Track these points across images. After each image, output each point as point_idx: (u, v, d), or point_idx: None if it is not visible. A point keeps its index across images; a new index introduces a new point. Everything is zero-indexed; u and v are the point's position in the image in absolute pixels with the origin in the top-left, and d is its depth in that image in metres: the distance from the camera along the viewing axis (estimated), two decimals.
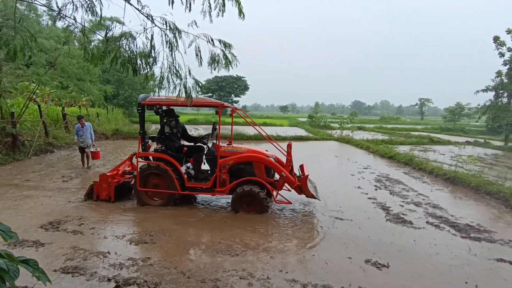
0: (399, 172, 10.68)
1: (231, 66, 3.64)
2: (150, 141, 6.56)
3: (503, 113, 21.07)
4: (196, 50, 3.39)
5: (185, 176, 6.08)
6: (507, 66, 20.64)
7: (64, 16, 3.16)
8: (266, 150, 6.48)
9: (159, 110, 6.50)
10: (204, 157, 6.54)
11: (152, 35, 3.24)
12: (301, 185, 6.04)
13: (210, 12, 3.21)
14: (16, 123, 10.63)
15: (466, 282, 3.81)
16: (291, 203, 6.10)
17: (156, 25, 3.21)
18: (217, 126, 6.23)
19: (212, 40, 3.42)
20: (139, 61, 3.34)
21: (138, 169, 6.10)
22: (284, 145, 6.75)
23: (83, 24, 3.27)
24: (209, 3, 3.18)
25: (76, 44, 11.30)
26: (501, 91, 21.45)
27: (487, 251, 4.73)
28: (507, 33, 19.93)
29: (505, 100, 21.78)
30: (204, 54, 3.47)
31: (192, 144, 6.85)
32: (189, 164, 6.64)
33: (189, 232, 5.01)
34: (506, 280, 3.95)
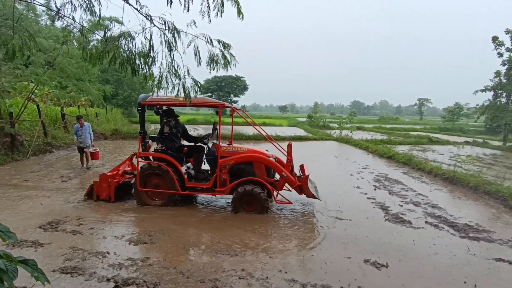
0: (398, 172, 10.70)
1: (230, 66, 3.64)
2: (150, 141, 6.55)
3: (501, 113, 21.10)
4: (195, 50, 3.39)
5: (186, 176, 6.07)
6: (506, 66, 20.68)
7: (62, 16, 3.16)
8: (267, 150, 6.48)
9: (159, 110, 6.49)
10: (204, 157, 6.54)
11: (151, 35, 3.25)
12: (302, 185, 6.04)
13: (209, 12, 3.21)
14: (15, 123, 10.61)
15: (465, 282, 3.82)
16: (291, 203, 6.10)
17: (155, 25, 3.21)
18: (218, 126, 6.23)
19: (211, 40, 3.42)
20: (138, 61, 3.33)
21: (139, 169, 6.09)
22: (283, 145, 6.75)
23: (81, 24, 3.26)
24: (208, 3, 3.18)
25: (75, 44, 11.28)
26: (499, 91, 21.48)
27: (486, 251, 4.74)
28: (506, 33, 19.97)
29: (503, 100, 21.81)
30: (203, 54, 3.47)
31: (193, 144, 6.85)
32: (189, 164, 6.64)
33: (188, 232, 5.01)
34: (505, 279, 3.96)
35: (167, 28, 3.22)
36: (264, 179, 5.98)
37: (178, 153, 6.30)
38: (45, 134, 12.55)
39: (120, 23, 3.38)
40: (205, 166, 6.73)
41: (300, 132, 25.93)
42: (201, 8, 3.18)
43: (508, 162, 14.04)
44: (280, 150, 6.67)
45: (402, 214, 6.23)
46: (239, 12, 3.33)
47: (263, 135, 7.28)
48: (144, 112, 6.23)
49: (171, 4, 3.06)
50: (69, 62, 10.61)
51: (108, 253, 4.15)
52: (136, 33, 3.27)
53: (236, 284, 3.54)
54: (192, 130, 22.71)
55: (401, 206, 6.79)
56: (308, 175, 6.15)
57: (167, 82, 3.34)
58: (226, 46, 3.54)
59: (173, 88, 3.38)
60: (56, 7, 3.15)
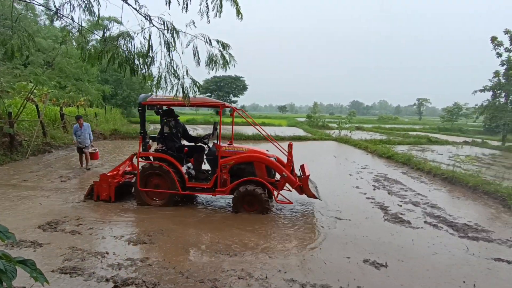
0: (397, 172, 10.71)
1: (229, 67, 3.64)
2: (150, 141, 6.55)
3: (500, 113, 21.14)
4: (194, 50, 3.39)
5: (186, 176, 6.07)
6: (505, 66, 20.72)
7: (61, 16, 3.15)
8: (267, 150, 6.48)
9: (160, 110, 6.49)
10: (204, 157, 6.53)
11: (150, 35, 3.24)
12: (302, 185, 6.04)
13: (207, 12, 3.21)
14: (14, 123, 10.59)
15: (464, 282, 3.82)
16: (292, 203, 6.10)
17: (154, 25, 3.21)
18: (218, 126, 6.22)
19: (209, 40, 3.42)
20: (137, 61, 3.33)
21: (139, 169, 6.08)
22: (283, 145, 6.76)
23: (80, 24, 3.26)
24: (207, 3, 3.18)
25: (75, 43, 11.27)
26: (498, 91, 21.52)
27: (484, 251, 4.75)
28: (505, 34, 20.01)
29: (502, 100, 21.86)
30: (202, 54, 3.47)
31: (193, 144, 6.84)
32: (189, 164, 6.64)
33: (188, 232, 5.00)
34: (503, 279, 3.96)
35: (166, 28, 3.21)
36: (265, 179, 5.98)
37: (178, 153, 6.30)
38: (44, 134, 12.53)
39: (119, 23, 3.38)
40: (205, 166, 6.72)
41: (300, 132, 25.94)
42: (200, 8, 3.18)
43: (507, 162, 14.06)
44: (280, 150, 6.67)
45: (401, 214, 6.24)
46: (238, 12, 3.33)
47: (263, 135, 7.27)
48: (144, 112, 6.23)
49: (169, 4, 3.05)
50: (68, 62, 10.61)
51: (107, 253, 4.15)
52: (135, 33, 3.27)
53: (236, 284, 3.55)
54: (192, 130, 22.69)
55: (400, 206, 6.79)
56: (309, 175, 6.15)
57: (166, 82, 3.34)
58: (225, 46, 3.54)
59: (172, 88, 3.38)
60: (55, 7, 3.14)
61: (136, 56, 3.31)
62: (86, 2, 3.11)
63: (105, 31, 3.35)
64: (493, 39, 20.52)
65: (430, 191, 8.20)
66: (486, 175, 9.75)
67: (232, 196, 5.94)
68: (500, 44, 20.41)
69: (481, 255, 4.57)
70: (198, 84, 3.52)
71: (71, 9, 3.11)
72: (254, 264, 4.00)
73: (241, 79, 61.57)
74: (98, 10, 3.21)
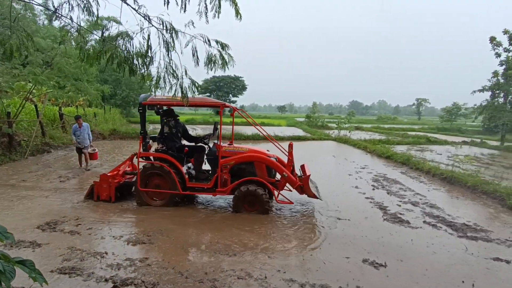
0: (396, 172, 10.72)
1: (228, 67, 3.64)
2: (151, 141, 6.54)
3: (499, 113, 21.19)
4: (193, 51, 3.39)
5: (186, 176, 6.06)
6: (504, 67, 20.77)
7: (60, 15, 3.15)
8: (268, 150, 6.48)
9: (160, 110, 6.48)
10: (205, 157, 6.53)
11: (148, 35, 3.24)
12: (303, 185, 6.04)
13: (206, 13, 3.21)
14: (13, 123, 10.57)
15: (463, 281, 3.83)
16: (292, 203, 6.10)
17: (153, 25, 3.20)
18: (219, 126, 6.22)
19: (208, 40, 3.42)
20: (135, 61, 3.33)
21: (140, 169, 6.07)
22: (282, 145, 6.75)
23: (79, 24, 3.25)
24: (206, 4, 3.18)
25: (73, 43, 11.25)
26: (497, 91, 21.57)
27: (483, 250, 4.75)
28: (504, 34, 20.05)
29: (501, 100, 21.91)
30: (201, 54, 3.48)
31: (193, 144, 6.84)
32: (190, 164, 6.63)
33: (187, 232, 5.00)
34: (502, 279, 3.97)
35: (165, 28, 3.21)
36: (265, 179, 5.98)
37: (178, 153, 6.29)
38: (43, 134, 12.51)
39: (118, 22, 3.38)
40: (205, 166, 6.72)
41: (299, 132, 25.95)
42: (199, 9, 3.18)
43: (505, 162, 14.09)
44: (281, 150, 6.66)
45: (400, 214, 6.24)
46: (237, 12, 3.33)
47: (263, 135, 7.27)
48: (145, 112, 6.23)
49: (168, 4, 3.05)
50: (67, 62, 10.58)
51: (106, 253, 4.14)
52: (134, 33, 3.27)
53: (235, 284, 3.55)
54: (191, 130, 22.66)
55: (399, 206, 6.80)
56: (309, 175, 6.15)
57: (164, 82, 3.34)
58: (224, 46, 3.54)
59: (171, 88, 3.38)
60: (54, 6, 3.14)
61: (135, 56, 3.31)
62: (85, 1, 3.11)
63: (104, 31, 3.35)
64: (492, 39, 20.57)
65: (429, 191, 8.22)
66: (485, 175, 9.77)
67: (233, 196, 5.94)
68: (499, 44, 20.46)
69: (480, 255, 4.58)
70: (197, 84, 3.52)
71: (70, 9, 3.11)
72: (254, 264, 4.00)
73: (240, 79, 61.54)
74: (97, 10, 3.20)
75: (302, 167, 6.64)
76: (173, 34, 3.24)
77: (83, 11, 3.14)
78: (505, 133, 21.96)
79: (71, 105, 18.41)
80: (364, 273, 3.92)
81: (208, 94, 59.15)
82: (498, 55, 20.68)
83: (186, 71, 3.39)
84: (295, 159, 6.35)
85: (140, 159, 6.15)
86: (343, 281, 3.70)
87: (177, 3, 3.09)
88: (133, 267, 3.82)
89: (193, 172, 6.49)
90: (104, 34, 3.33)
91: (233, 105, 6.64)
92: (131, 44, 3.30)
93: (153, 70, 3.43)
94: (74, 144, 9.63)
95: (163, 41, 3.24)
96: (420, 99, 76.24)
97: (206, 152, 6.49)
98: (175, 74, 3.34)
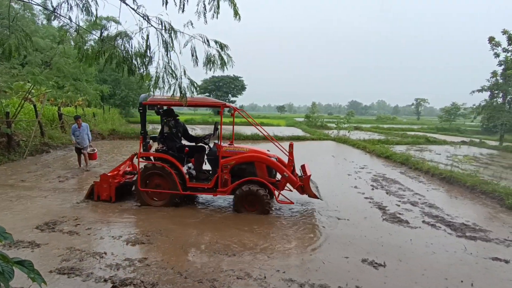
0: (395, 171, 10.73)
1: (227, 67, 3.64)
2: (151, 141, 6.54)
3: (498, 113, 21.23)
4: (192, 51, 3.39)
5: (187, 176, 6.06)
6: (502, 67, 20.81)
7: (59, 15, 3.14)
8: (268, 150, 6.48)
9: (160, 110, 6.48)
10: (205, 157, 6.52)
11: (147, 35, 3.24)
12: (304, 185, 6.04)
13: (205, 13, 3.21)
14: (11, 123, 10.54)
15: (461, 281, 3.84)
16: (293, 203, 6.09)
17: (151, 25, 3.20)
18: (219, 126, 6.21)
19: (207, 40, 3.42)
20: (134, 61, 3.32)
21: (140, 169, 6.06)
22: (282, 145, 6.75)
23: (77, 23, 3.25)
24: (204, 4, 3.18)
25: (72, 43, 11.24)
26: (496, 91, 21.62)
27: (482, 250, 4.76)
28: (503, 34, 20.09)
29: (500, 100, 21.96)
30: (200, 54, 3.48)
31: (194, 144, 6.83)
32: (190, 164, 6.62)
33: (186, 232, 5.00)
34: (501, 278, 3.98)
35: (164, 28, 3.21)
36: (266, 179, 5.97)
37: (179, 153, 6.29)
38: (42, 134, 12.48)
39: (117, 22, 3.38)
40: (205, 166, 6.71)
41: (298, 132, 25.95)
42: (197, 9, 3.18)
43: (504, 162, 14.12)
44: (281, 150, 6.66)
45: (400, 213, 6.25)
46: (236, 13, 3.33)
47: (264, 135, 7.27)
48: (145, 112, 6.22)
49: (166, 4, 3.05)
50: (66, 62, 10.57)
51: (105, 253, 4.14)
52: (133, 33, 3.27)
53: (234, 284, 3.54)
54: (190, 130, 22.62)
55: (399, 205, 6.81)
56: (310, 175, 6.14)
57: (163, 82, 3.34)
58: (223, 47, 3.53)
59: (169, 88, 3.38)
60: (52, 6, 3.13)
61: (134, 56, 3.31)
62: (83, 1, 3.11)
63: (103, 30, 3.34)
64: (491, 39, 20.61)
65: (428, 191, 8.23)
66: (484, 174, 9.79)
67: (233, 196, 5.93)
68: (497, 44, 20.49)
69: (478, 255, 4.59)
70: (195, 85, 3.52)
71: (69, 9, 3.11)
72: (253, 264, 4.00)
73: (239, 79, 61.57)
74: (96, 10, 3.20)
75: (303, 167, 6.64)
76: (172, 34, 3.24)
77: (82, 11, 3.14)
78: (504, 133, 22.00)
79: (70, 105, 18.38)
80: (363, 273, 3.92)
81: (207, 94, 59.15)
82: (497, 55, 20.73)
83: (185, 71, 3.39)
84: (295, 159, 6.35)
85: (141, 159, 6.14)
86: (342, 281, 3.71)
87: (175, 4, 3.09)
88: (132, 267, 3.82)
89: (193, 172, 6.48)
90: (103, 34, 3.33)
91: (232, 105, 6.63)
92: (130, 44, 3.30)
93: (152, 70, 3.43)
94: (73, 144, 9.61)
95: (162, 41, 3.24)
96: (419, 99, 76.38)
97: (206, 152, 6.49)
98: (174, 74, 3.34)
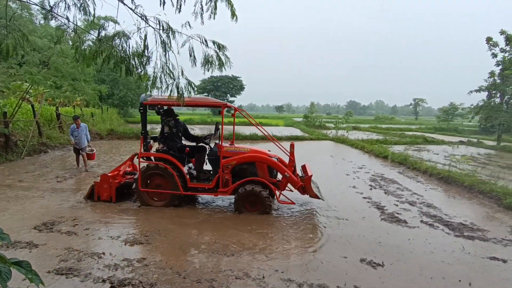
0: (393, 171, 10.76)
1: (224, 68, 3.64)
2: (152, 141, 6.52)
3: (495, 113, 21.31)
4: (190, 51, 3.38)
5: (187, 176, 6.05)
6: (500, 67, 20.89)
7: (56, 15, 3.13)
8: (269, 150, 6.48)
9: (161, 110, 6.46)
10: (206, 157, 6.51)
11: (145, 35, 3.23)
12: (305, 185, 6.04)
13: (202, 14, 3.21)
14: (9, 123, 10.50)
15: (459, 281, 3.85)
16: (294, 203, 6.08)
17: (149, 25, 3.20)
18: (220, 126, 6.21)
19: (205, 41, 3.42)
20: (132, 61, 3.32)
21: (141, 169, 6.04)
22: (281, 145, 6.75)
23: (75, 23, 3.24)
24: (201, 5, 3.18)
25: (70, 43, 11.19)
26: (494, 92, 21.71)
27: (480, 250, 4.78)
28: (501, 34, 20.16)
29: (497, 100, 22.06)
30: (198, 54, 3.47)
31: (194, 144, 6.82)
32: (190, 165, 6.62)
33: (185, 232, 4.99)
34: (499, 278, 4.00)
35: (161, 28, 3.21)
36: (267, 179, 5.97)
37: (179, 153, 6.27)
38: (40, 134, 12.44)
39: (115, 22, 3.36)
40: (206, 166, 6.70)
41: (297, 132, 25.97)
42: (194, 10, 3.18)
43: (502, 162, 14.18)
44: (282, 150, 6.66)
45: (398, 213, 6.26)
46: (233, 14, 3.33)
47: (265, 135, 7.26)
48: (145, 112, 6.21)
49: (164, 5, 3.05)
50: (64, 62, 10.53)
51: (103, 253, 4.13)
52: (130, 33, 3.26)
53: (233, 284, 3.54)
54: (189, 130, 22.62)
55: (397, 205, 6.83)
56: (311, 175, 6.14)
57: (161, 82, 3.33)
58: (221, 47, 3.53)
59: (167, 88, 3.37)
60: (50, 6, 3.12)
61: (132, 56, 3.30)
62: (81, 1, 3.10)
63: (100, 30, 3.34)
64: (488, 39, 20.69)
65: (426, 191, 8.25)
66: (482, 174, 9.82)
67: (234, 196, 5.92)
68: (495, 44, 20.57)
69: (476, 254, 4.60)
70: (193, 85, 3.51)
71: (66, 8, 3.09)
72: (252, 264, 4.00)
73: (238, 79, 61.56)
74: (94, 10, 3.19)
75: (304, 167, 6.63)
76: (170, 34, 3.23)
77: (80, 10, 3.13)
78: (502, 133, 22.10)
79: (68, 105, 18.34)
80: (362, 273, 3.93)
81: (206, 94, 59.13)
82: (494, 55, 20.81)
83: (182, 71, 3.39)
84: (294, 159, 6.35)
85: (141, 159, 6.12)
86: (341, 280, 3.71)
87: (172, 4, 3.09)
88: (131, 267, 3.81)
89: (194, 172, 6.47)
90: (101, 34, 3.32)
91: (233, 105, 6.63)
92: (128, 44, 3.29)
93: (150, 70, 3.42)
94: (71, 144, 9.57)
95: (160, 41, 3.23)
96: (417, 99, 76.54)
97: (207, 152, 6.47)
98: (171, 75, 3.33)
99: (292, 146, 6.15)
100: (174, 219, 5.55)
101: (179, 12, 3.09)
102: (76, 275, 3.58)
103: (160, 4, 3.03)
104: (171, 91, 3.38)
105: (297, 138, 20.59)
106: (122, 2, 3.11)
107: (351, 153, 15.06)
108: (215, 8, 3.21)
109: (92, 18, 3.18)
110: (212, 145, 6.52)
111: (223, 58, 3.57)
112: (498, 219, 6.31)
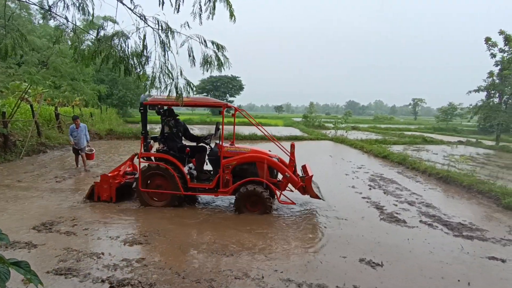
0: (392, 171, 10.77)
1: (223, 68, 3.64)
2: (152, 141, 6.52)
3: (494, 113, 21.35)
4: (189, 51, 3.38)
5: (188, 176, 6.04)
6: (499, 67, 20.93)
7: (55, 14, 3.13)
8: (269, 150, 6.48)
9: (161, 110, 6.45)
10: (206, 157, 6.51)
11: (144, 35, 3.23)
12: (306, 185, 6.04)
13: (200, 14, 3.21)
14: (8, 123, 10.48)
15: (458, 280, 3.85)
16: (295, 204, 6.08)
17: (148, 25, 3.19)
18: (220, 126, 6.21)
19: (204, 41, 3.41)
20: (131, 61, 3.31)
21: (141, 170, 6.04)
22: (281, 145, 6.75)
23: (74, 23, 3.23)
24: (200, 5, 3.18)
25: (69, 43, 11.18)
26: (492, 91, 21.74)
27: (479, 249, 4.79)
28: (500, 34, 20.20)
29: (496, 100, 22.09)
30: (197, 54, 3.47)
31: (195, 144, 6.81)
32: (191, 165, 6.61)
33: (184, 233, 4.99)
34: (498, 278, 4.00)
35: (160, 28, 3.21)
36: (267, 180, 5.97)
37: (180, 153, 6.27)
38: (38, 134, 12.42)
39: (114, 22, 3.35)
40: (206, 167, 6.69)
41: (296, 132, 25.98)
42: (193, 10, 3.18)
43: (500, 162, 14.21)
44: (282, 150, 6.66)
45: (397, 213, 6.27)
46: (232, 15, 3.33)
47: (265, 135, 7.26)
48: (146, 112, 6.20)
49: (162, 5, 3.05)
50: (63, 62, 10.51)
51: (103, 254, 4.12)
52: (129, 32, 3.26)
53: (232, 284, 3.54)
54: (189, 130, 22.59)
55: (396, 205, 6.83)
56: (312, 175, 6.14)
57: (160, 82, 3.33)
58: (220, 47, 3.53)
59: (166, 88, 3.37)
60: (48, 5, 3.11)
61: (130, 56, 3.30)
62: (80, 0, 3.09)
63: (99, 30, 3.33)
64: (487, 39, 20.72)
65: (425, 191, 8.26)
66: (481, 174, 9.84)
67: (235, 196, 5.92)
68: (494, 44, 20.61)
69: (475, 254, 4.61)
70: (192, 85, 3.51)
71: (65, 8, 3.09)
72: (251, 264, 4.00)
73: (237, 79, 61.58)
74: (93, 9, 3.19)
75: (304, 167, 6.63)
76: (169, 34, 3.23)
77: (79, 10, 3.12)
78: (500, 133, 22.14)
79: (67, 105, 18.31)
80: (361, 273, 3.93)
81: (205, 94, 59.10)
82: (493, 55, 20.85)
83: (181, 71, 3.39)
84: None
85: (141, 160, 6.11)
86: (340, 280, 3.71)
87: (171, 4, 3.09)
88: (130, 267, 3.80)
89: (194, 172, 6.47)
90: (99, 34, 3.32)
91: (233, 105, 6.63)
92: (127, 44, 3.29)
93: (149, 70, 3.42)
94: (70, 144, 9.56)
95: (159, 41, 3.23)
96: (416, 99, 76.65)
97: (207, 153, 6.47)
98: (170, 75, 3.33)
99: (292, 146, 6.15)
100: (173, 219, 5.55)
101: (178, 12, 3.09)
102: (75, 275, 3.57)
103: (159, 4, 3.03)
104: (169, 91, 3.38)
105: (296, 138, 20.59)
106: (121, 2, 3.11)
107: (350, 153, 15.07)
108: (214, 8, 3.21)
109: (91, 17, 3.18)
110: (212, 145, 6.51)
111: (222, 58, 3.57)
112: (497, 219, 6.32)
